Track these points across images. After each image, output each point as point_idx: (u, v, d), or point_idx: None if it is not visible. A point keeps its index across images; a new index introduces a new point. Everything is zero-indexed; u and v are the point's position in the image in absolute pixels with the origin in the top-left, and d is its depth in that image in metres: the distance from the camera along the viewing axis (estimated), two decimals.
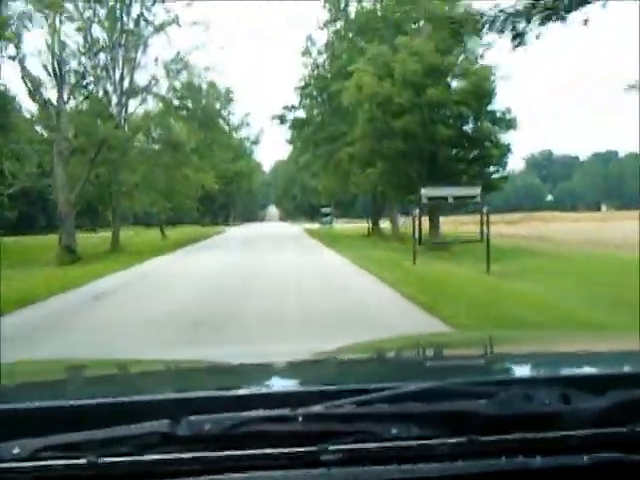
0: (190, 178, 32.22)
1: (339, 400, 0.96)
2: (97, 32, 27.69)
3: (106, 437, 0.90)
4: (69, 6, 23.91)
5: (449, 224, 54.53)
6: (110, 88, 29.79)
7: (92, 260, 21.86)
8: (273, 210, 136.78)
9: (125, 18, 28.37)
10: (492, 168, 22.89)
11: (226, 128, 73.23)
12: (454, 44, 22.86)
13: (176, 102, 29.37)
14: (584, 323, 7.26)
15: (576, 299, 9.47)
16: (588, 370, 1.38)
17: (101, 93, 29.60)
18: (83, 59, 29.36)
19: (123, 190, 25.00)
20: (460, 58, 23.25)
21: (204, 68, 28.23)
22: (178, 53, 27.70)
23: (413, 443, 0.93)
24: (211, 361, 1.78)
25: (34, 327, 8.46)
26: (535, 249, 22.71)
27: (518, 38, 9.45)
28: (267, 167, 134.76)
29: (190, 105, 29.88)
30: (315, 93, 29.38)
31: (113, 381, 1.53)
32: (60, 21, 23.39)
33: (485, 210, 15.00)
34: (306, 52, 30.18)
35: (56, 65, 23.66)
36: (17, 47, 21.33)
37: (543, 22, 8.99)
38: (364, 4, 28.90)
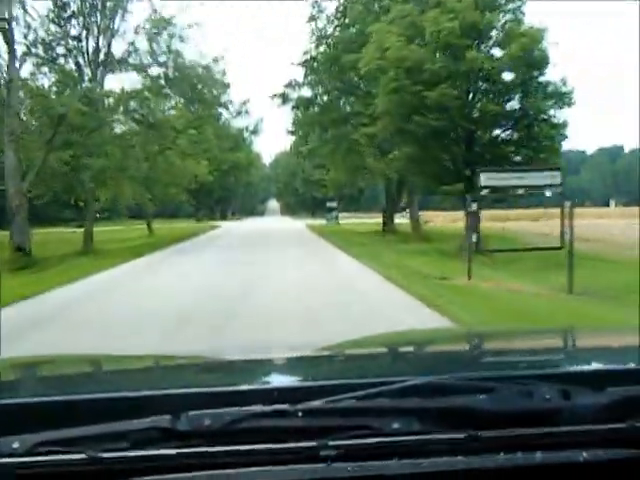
0: (176, 165, 27.89)
1: (339, 395, 0.95)
2: None
3: (106, 432, 0.90)
4: None
5: (440, 219, 50.19)
6: (83, 60, 25.52)
7: (49, 264, 17.59)
8: (274, 204, 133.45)
9: None
10: (544, 154, 18.43)
11: (223, 115, 69.19)
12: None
13: (156, 72, 24.78)
14: None
15: None
16: (588, 366, 1.34)
17: (73, 66, 25.30)
18: (52, 27, 25.13)
19: (90, 178, 20.45)
20: (503, 18, 18.78)
21: (187, 25, 23.66)
22: (155, 11, 23.13)
23: (413, 438, 0.93)
24: (211, 356, 1.73)
25: None
26: (598, 254, 18.31)
27: None
28: (267, 160, 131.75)
29: (175, 75, 25.20)
30: (323, 67, 24.80)
31: (113, 376, 1.48)
32: None
33: (569, 204, 10.55)
34: (312, 19, 25.51)
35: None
36: None
37: None
38: None
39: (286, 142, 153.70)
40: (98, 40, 25.78)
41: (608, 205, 78.34)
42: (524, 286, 11.12)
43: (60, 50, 25.37)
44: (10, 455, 0.88)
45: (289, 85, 26.33)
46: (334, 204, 43.71)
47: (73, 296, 11.09)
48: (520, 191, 11.60)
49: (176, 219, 69.25)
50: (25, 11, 23.21)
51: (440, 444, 0.94)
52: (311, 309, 8.49)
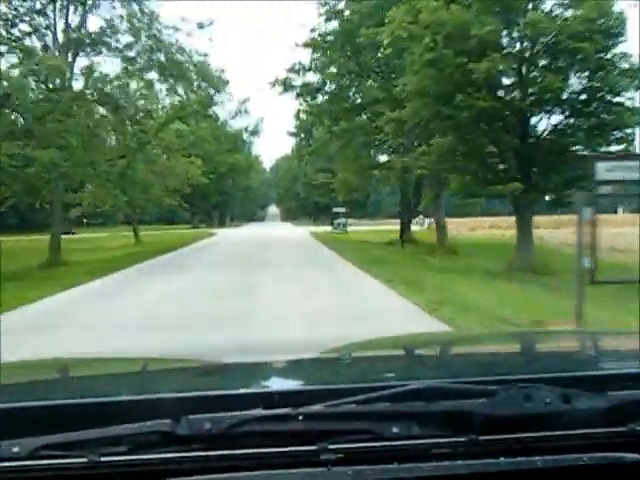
0: (160, 163, 24.04)
1: (339, 399, 0.95)
2: None
3: (106, 436, 0.89)
4: None
5: (453, 227, 46.06)
6: (52, 40, 21.70)
7: None
8: (274, 210, 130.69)
9: None
10: (618, 145, 14.46)
11: (220, 115, 65.27)
12: None
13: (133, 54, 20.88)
14: None
15: None
16: (588, 370, 1.25)
17: (39, 45, 21.44)
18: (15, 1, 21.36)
19: (44, 176, 16.48)
20: None
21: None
22: None
23: (413, 442, 0.93)
24: (211, 360, 1.72)
25: None
26: None
27: None
28: (268, 164, 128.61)
29: (158, 58, 21.28)
30: (334, 47, 20.81)
31: (113, 380, 1.44)
32: None
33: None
34: None
35: None
36: None
37: None
38: None
39: (287, 146, 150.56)
40: (68, 16, 22.01)
41: (616, 212, 75.51)
42: None
43: (24, 27, 21.55)
44: (10, 459, 0.88)
45: (292, 70, 22.30)
46: (342, 209, 39.02)
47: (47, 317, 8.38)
48: None
49: (173, 225, 65.52)
50: None
51: (440, 448, 0.94)
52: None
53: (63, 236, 45.46)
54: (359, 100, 21.45)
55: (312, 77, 22.17)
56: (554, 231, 41.49)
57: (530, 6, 13.90)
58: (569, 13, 13.78)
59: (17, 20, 21.16)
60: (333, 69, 21.30)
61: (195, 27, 22.33)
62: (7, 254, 20.08)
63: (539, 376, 1.08)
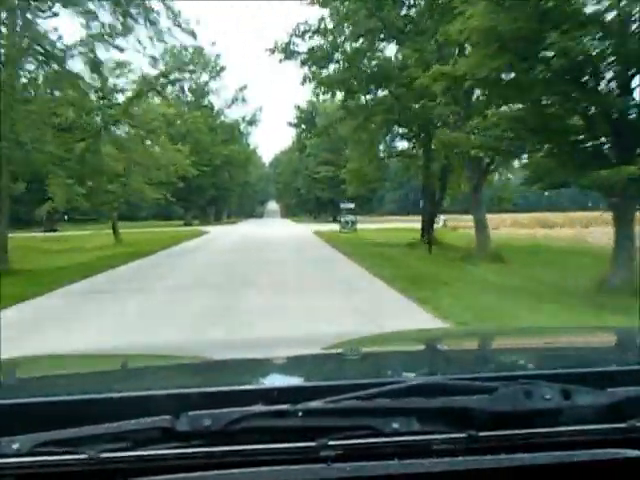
0: (132, 149, 19.80)
1: (338, 395, 0.95)
2: None
3: (106, 432, 0.90)
4: None
5: (469, 224, 41.90)
6: None
7: None
8: (273, 206, 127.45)
9: None
10: None
11: (216, 104, 60.72)
12: None
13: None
14: None
15: None
16: (588, 366, 1.24)
17: None
18: None
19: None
20: None
21: None
22: None
23: (413, 438, 0.93)
24: (210, 356, 1.72)
25: None
26: None
27: None
28: (267, 159, 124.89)
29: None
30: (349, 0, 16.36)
31: (112, 376, 1.45)
32: None
33: None
34: None
35: None
36: None
37: None
38: None
39: (287, 140, 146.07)
40: None
41: None
42: None
43: None
44: (10, 455, 0.88)
45: (297, 33, 17.83)
46: (350, 206, 34.25)
47: None
48: None
49: (170, 221, 61.21)
50: None
51: (441, 444, 0.93)
52: None
53: (42, 234, 40.89)
54: (383, 69, 16.99)
55: (320, 41, 17.71)
56: (566, 230, 37.47)
57: None
58: None
59: None
60: (348, 28, 16.90)
61: None
62: None
63: (539, 372, 1.10)
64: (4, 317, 8.41)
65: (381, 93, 18.10)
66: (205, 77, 56.48)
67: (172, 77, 19.36)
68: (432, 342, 1.99)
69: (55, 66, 15.18)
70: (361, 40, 16.81)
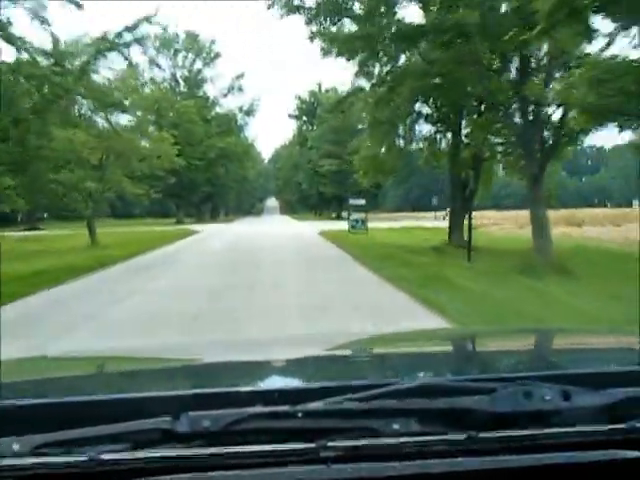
0: (111, 137, 15.87)
1: (338, 396, 0.95)
2: None
3: (106, 433, 0.90)
4: None
5: (489, 222, 38.01)
6: None
7: None
8: (272, 203, 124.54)
9: None
10: None
11: (210, 92, 56.49)
12: None
13: None
14: None
15: None
16: (588, 367, 1.25)
17: None
18: None
19: None
20: None
21: None
22: None
23: (413, 439, 0.93)
24: (210, 358, 1.71)
25: None
26: None
27: None
28: (266, 156, 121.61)
29: None
30: None
31: (112, 378, 1.46)
32: None
33: None
34: None
35: None
36: None
37: None
38: None
39: (287, 134, 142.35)
40: None
41: (631, 205, 70.22)
42: None
43: None
44: (10, 457, 0.87)
45: None
46: (361, 202, 29.59)
47: None
48: None
49: (166, 219, 57.21)
50: None
51: (440, 445, 0.93)
52: None
53: (22, 234, 36.73)
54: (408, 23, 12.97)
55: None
56: (600, 229, 33.34)
57: None
58: None
59: None
60: None
61: None
62: None
63: (539, 373, 1.10)
64: None
65: (411, 57, 14.02)
66: (199, 64, 52.50)
67: (138, 33, 15.17)
68: (432, 343, 2.00)
69: None
70: None
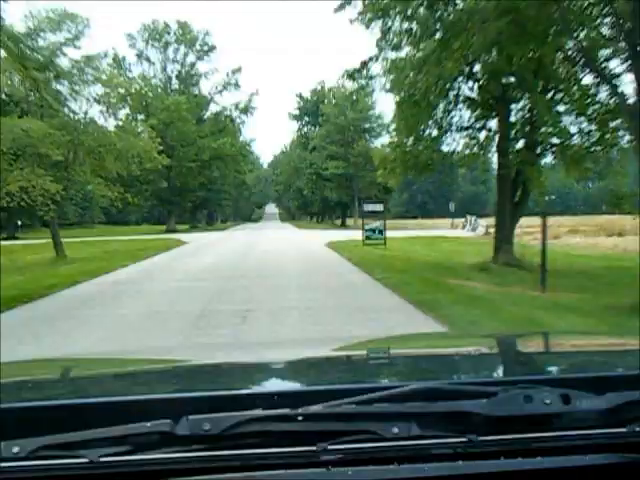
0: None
1: (339, 400, 0.95)
2: None
3: (106, 436, 0.89)
4: None
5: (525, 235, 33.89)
6: None
7: None
8: (272, 209, 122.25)
9: None
10: None
11: (204, 89, 51.98)
12: None
13: None
14: None
15: None
16: (588, 370, 1.27)
17: None
18: None
19: None
20: None
21: None
22: None
23: (413, 443, 0.93)
24: (210, 361, 1.69)
25: None
26: None
27: None
28: (266, 161, 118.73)
29: None
30: None
31: (113, 380, 1.43)
32: None
33: None
34: None
35: None
36: None
37: None
38: None
39: (287, 139, 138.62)
40: None
41: None
42: None
43: None
44: (10, 459, 0.87)
45: None
46: (379, 207, 24.64)
47: None
48: None
49: (163, 226, 52.82)
50: None
51: (440, 449, 0.93)
52: None
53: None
54: None
55: None
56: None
57: None
58: None
59: None
60: None
61: None
62: None
63: (539, 377, 1.10)
64: None
65: None
66: (192, 58, 48.15)
67: None
68: (431, 346, 1.99)
69: None
70: None
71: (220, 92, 49.04)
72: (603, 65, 9.74)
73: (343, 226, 54.08)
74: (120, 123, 24.35)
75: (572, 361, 1.54)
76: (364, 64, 13.07)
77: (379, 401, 0.95)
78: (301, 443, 0.90)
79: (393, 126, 16.99)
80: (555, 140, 15.10)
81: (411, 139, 15.20)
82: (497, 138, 16.20)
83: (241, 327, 7.74)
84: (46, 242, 27.30)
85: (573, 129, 13.67)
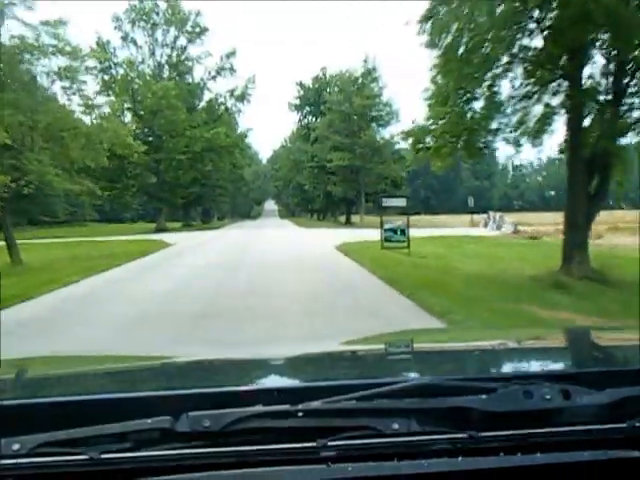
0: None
1: (339, 396, 0.95)
2: None
3: (106, 433, 0.89)
4: None
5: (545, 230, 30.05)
6: None
7: None
8: (271, 206, 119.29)
9: None
10: None
11: (196, 74, 47.95)
12: None
13: None
14: None
15: None
16: (588, 366, 1.27)
17: None
18: None
19: None
20: None
21: None
22: None
23: (413, 439, 0.93)
24: (210, 357, 1.68)
25: None
26: None
27: None
28: (264, 156, 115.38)
29: None
30: None
31: (113, 377, 1.43)
32: None
33: None
34: None
35: None
36: None
37: None
38: None
39: (287, 132, 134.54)
40: None
41: None
42: None
43: None
44: (11, 456, 0.87)
45: None
46: (401, 203, 19.91)
47: None
48: None
49: (151, 223, 49.09)
50: None
51: (440, 444, 0.93)
52: None
53: None
54: None
55: None
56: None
57: None
58: None
59: None
60: None
61: None
62: None
63: (539, 372, 1.10)
64: None
65: None
66: (183, 41, 44.04)
67: None
68: (432, 343, 1.97)
69: None
70: None
71: (214, 78, 44.94)
72: None
73: (348, 223, 50.02)
74: (90, 102, 20.36)
75: (572, 357, 1.55)
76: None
77: (379, 397, 0.94)
78: (301, 439, 0.90)
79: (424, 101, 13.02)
80: None
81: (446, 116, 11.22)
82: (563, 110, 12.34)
83: None
84: (21, 242, 23.06)
85: None
